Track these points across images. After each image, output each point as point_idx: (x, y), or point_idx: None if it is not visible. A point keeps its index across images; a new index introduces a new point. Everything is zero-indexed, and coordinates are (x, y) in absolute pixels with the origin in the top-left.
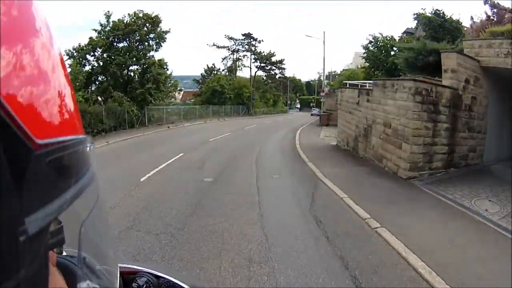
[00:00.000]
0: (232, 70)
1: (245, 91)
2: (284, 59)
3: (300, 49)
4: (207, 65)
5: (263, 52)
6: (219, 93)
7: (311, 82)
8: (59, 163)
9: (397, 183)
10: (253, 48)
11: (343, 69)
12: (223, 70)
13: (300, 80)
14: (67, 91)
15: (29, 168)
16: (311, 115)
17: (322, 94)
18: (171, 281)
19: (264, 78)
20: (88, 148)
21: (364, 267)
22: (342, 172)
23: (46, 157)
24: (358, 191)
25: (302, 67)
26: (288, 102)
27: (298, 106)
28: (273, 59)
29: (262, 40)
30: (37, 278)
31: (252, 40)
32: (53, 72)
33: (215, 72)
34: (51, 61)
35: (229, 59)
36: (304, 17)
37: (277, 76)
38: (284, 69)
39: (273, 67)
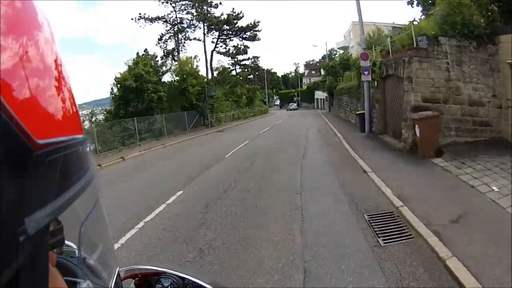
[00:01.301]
0: (171, 53)
1: (192, 82)
2: (258, 22)
3: (272, 39)
4: (137, 53)
5: (223, 16)
6: (138, 93)
7: (288, 76)
8: (59, 163)
9: None
10: (205, 13)
11: (340, 47)
12: (161, 58)
13: (276, 73)
14: (67, 91)
15: (29, 168)
16: (287, 110)
17: (364, 63)
18: (196, 283)
19: (230, 66)
20: (88, 148)
21: None
22: None
23: (46, 157)
24: None
25: (277, 59)
26: (265, 99)
27: (278, 102)
28: (240, 23)
29: (220, 3)
30: (37, 278)
31: (203, 4)
32: (54, 72)
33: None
34: (53, 60)
35: (169, 38)
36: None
37: (248, 61)
38: (257, 38)
39: (242, 40)
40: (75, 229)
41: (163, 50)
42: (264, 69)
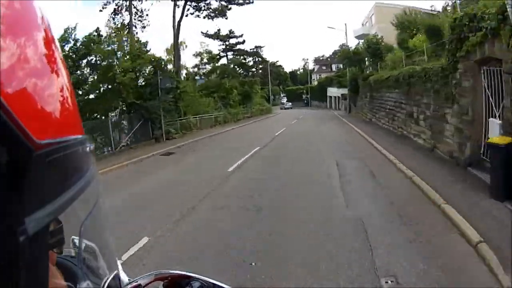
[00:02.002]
0: (121, 29)
1: (125, 65)
2: None
3: (280, 33)
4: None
5: None
6: None
7: (296, 72)
8: (59, 163)
9: None
10: None
11: (358, 35)
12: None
13: (282, 67)
14: (68, 90)
15: (30, 168)
16: (281, 109)
17: None
18: None
19: (221, 52)
20: (88, 148)
21: None
22: None
23: (46, 157)
24: None
25: (284, 55)
26: (271, 96)
27: (285, 100)
28: None
29: None
30: (37, 278)
31: None
32: (54, 72)
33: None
34: (52, 60)
35: (125, 10)
36: None
37: (243, 45)
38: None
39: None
40: (75, 229)
41: (110, 31)
42: (267, 61)
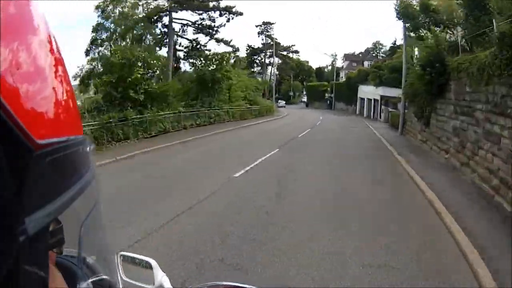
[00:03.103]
0: None
1: None
2: None
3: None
4: None
5: None
6: None
7: (323, 69)
8: (59, 163)
9: None
10: None
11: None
12: None
13: (308, 62)
14: (67, 90)
15: (29, 168)
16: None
17: None
18: None
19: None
20: (88, 148)
21: None
22: None
23: (46, 157)
24: None
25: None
26: (290, 93)
27: (305, 99)
28: None
29: None
30: (37, 278)
31: None
32: (52, 71)
33: None
34: (51, 60)
35: None
36: None
37: None
38: None
39: None
40: (75, 229)
41: None
42: (273, 38)
